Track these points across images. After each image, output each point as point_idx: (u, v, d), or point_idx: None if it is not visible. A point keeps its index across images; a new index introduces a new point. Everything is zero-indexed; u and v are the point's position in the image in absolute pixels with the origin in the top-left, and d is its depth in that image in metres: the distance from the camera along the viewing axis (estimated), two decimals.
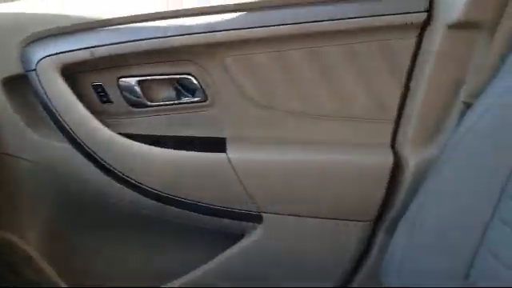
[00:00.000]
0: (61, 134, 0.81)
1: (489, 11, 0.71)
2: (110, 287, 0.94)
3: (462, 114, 0.73)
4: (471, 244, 0.63)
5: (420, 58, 0.80)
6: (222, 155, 0.81)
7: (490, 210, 0.61)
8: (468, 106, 0.72)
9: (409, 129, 0.82)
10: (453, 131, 0.73)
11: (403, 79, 0.82)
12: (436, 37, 0.76)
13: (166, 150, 0.82)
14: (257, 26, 0.78)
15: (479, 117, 0.64)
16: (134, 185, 0.82)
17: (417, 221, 0.68)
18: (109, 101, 0.84)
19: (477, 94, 0.70)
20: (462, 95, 0.75)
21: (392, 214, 0.83)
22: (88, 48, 0.77)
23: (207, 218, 0.85)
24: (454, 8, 0.72)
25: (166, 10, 0.80)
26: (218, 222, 0.86)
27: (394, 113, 0.84)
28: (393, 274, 0.71)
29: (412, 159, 0.80)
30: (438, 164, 0.69)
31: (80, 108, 0.79)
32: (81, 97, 0.80)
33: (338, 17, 0.78)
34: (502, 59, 0.68)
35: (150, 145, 0.82)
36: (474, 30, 0.74)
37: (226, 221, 0.85)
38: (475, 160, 0.63)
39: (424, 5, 0.77)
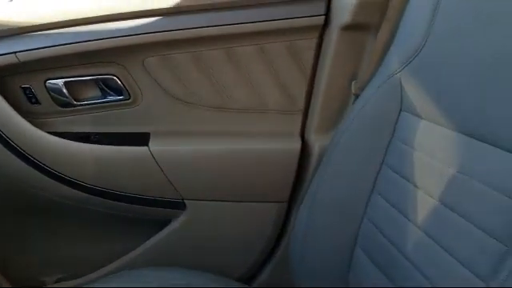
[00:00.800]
0: None
1: (373, 14, 0.82)
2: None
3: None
4: (356, 219, 0.73)
5: (321, 57, 0.91)
6: (144, 148, 0.89)
7: (369, 187, 0.71)
8: (357, 97, 0.83)
9: (315, 119, 0.93)
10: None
11: (308, 75, 0.92)
12: (333, 37, 0.87)
13: (92, 145, 0.88)
14: (174, 29, 0.86)
15: (361, 106, 0.74)
16: (62, 178, 0.88)
17: (315, 200, 0.78)
18: (37, 102, 0.89)
19: (363, 87, 0.80)
20: (353, 88, 0.86)
21: (302, 195, 0.93)
22: (13, 53, 0.82)
23: (134, 207, 0.92)
24: (346, 12, 0.83)
25: (89, 15, 0.86)
26: (145, 211, 0.93)
27: (302, 105, 0.94)
28: (296, 249, 0.81)
29: (316, 145, 0.91)
30: (330, 148, 0.79)
31: (7, 109, 0.84)
32: (10, 99, 0.85)
33: (250, 20, 0.87)
34: (382, 56, 0.78)
35: (78, 141, 0.88)
36: (362, 31, 0.85)
37: (151, 209, 0.93)
38: (357, 143, 0.74)
39: (322, 9, 0.88)
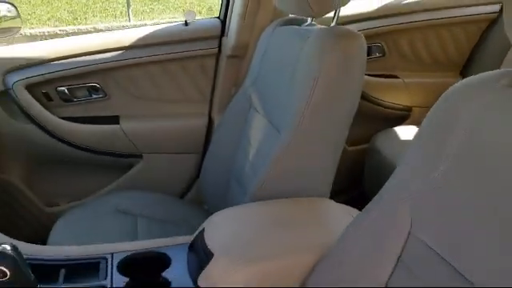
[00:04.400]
0: (28, 120, 1.50)
1: (243, 49, 1.52)
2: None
3: None
4: (234, 162, 1.45)
5: (218, 71, 1.61)
6: (117, 126, 1.57)
7: (237, 143, 1.43)
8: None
9: (215, 107, 1.64)
10: None
11: (212, 81, 1.62)
12: (223, 60, 1.57)
13: (84, 124, 1.55)
14: (130, 57, 1.53)
15: (233, 103, 1.44)
16: (69, 143, 1.54)
17: (211, 152, 1.49)
18: (51, 99, 1.53)
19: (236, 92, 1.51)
20: (233, 91, 1.57)
21: (207, 149, 1.65)
22: (41, 75, 1.46)
23: (110, 158, 1.59)
24: (228, 49, 1.53)
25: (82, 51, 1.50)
26: (117, 160, 1.61)
27: (209, 98, 1.65)
28: (203, 178, 1.54)
29: (215, 121, 1.62)
30: (220, 123, 1.49)
31: (38, 106, 1.49)
32: (37, 99, 1.49)
33: (175, 51, 1.55)
34: (245, 76, 1.49)
35: (76, 122, 1.54)
36: (237, 59, 1.55)
37: (122, 159, 1.62)
38: (230, 122, 1.44)
39: (216, 44, 1.57)
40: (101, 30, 5.59)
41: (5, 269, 0.72)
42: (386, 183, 0.76)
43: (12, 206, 1.58)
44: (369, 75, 1.79)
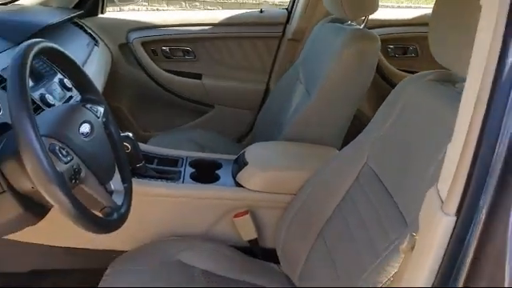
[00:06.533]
0: (139, 67, 2.09)
1: (301, 35, 2.00)
2: None
3: None
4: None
5: (280, 50, 2.10)
6: (199, 81, 2.13)
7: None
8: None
9: (273, 76, 2.14)
10: None
11: (273, 57, 2.12)
12: (284, 43, 2.06)
13: (176, 76, 2.13)
14: (213, 32, 2.06)
15: (287, 74, 1.92)
16: (163, 87, 2.13)
17: (262, 113, 2.00)
18: (156, 55, 2.11)
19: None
20: (287, 67, 2.06)
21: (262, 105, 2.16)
22: (152, 36, 2.04)
23: (188, 103, 2.17)
24: (290, 32, 2.01)
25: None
26: (194, 105, 2.18)
27: (269, 70, 2.15)
28: (257, 122, 2.06)
29: (272, 88, 2.12)
30: (273, 89, 1.98)
31: (147, 57, 2.07)
32: (146, 53, 2.08)
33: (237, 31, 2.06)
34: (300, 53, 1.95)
35: (170, 73, 2.12)
36: (297, 42, 2.04)
37: (198, 105, 2.18)
38: (281, 89, 1.93)
39: (281, 29, 2.06)
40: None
41: (128, 145, 1.26)
42: (360, 134, 1.22)
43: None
44: (404, 71, 2.18)
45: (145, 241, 1.29)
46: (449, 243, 0.58)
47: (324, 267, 1.13)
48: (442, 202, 0.60)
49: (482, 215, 0.56)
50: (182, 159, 1.47)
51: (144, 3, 3.80)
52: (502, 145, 0.54)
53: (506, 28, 0.53)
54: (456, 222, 0.57)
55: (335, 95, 1.51)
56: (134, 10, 2.05)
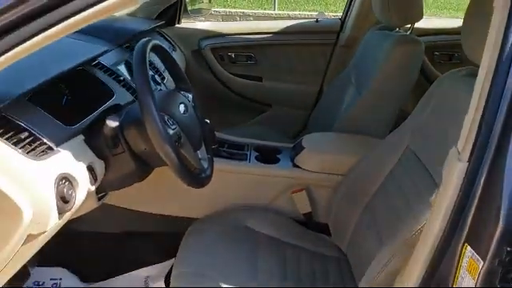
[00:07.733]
0: (208, 70, 2.39)
1: (353, 42, 2.23)
2: None
3: None
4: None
5: (333, 55, 2.34)
6: (260, 83, 2.40)
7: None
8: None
9: (327, 79, 2.37)
10: None
11: (327, 62, 2.36)
12: (337, 49, 2.29)
13: (240, 78, 2.41)
14: (273, 39, 2.33)
15: (341, 74, 2.15)
16: (229, 88, 2.42)
17: (316, 112, 2.22)
18: (223, 60, 2.40)
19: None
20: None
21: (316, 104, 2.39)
22: (220, 43, 2.34)
23: (250, 102, 2.44)
24: (343, 40, 2.25)
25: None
26: (254, 104, 2.45)
27: (323, 73, 2.38)
28: (313, 117, 2.29)
29: (325, 90, 2.35)
30: (326, 89, 2.21)
31: (215, 62, 2.37)
32: (215, 58, 2.37)
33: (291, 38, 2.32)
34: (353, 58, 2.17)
35: (235, 76, 2.40)
36: (349, 48, 2.26)
37: (257, 105, 2.45)
38: (335, 89, 2.15)
39: (335, 37, 2.30)
40: (248, 15, 6.61)
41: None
42: (402, 123, 1.42)
43: None
44: None
45: (217, 209, 1.55)
46: (462, 185, 0.79)
47: (369, 235, 1.33)
48: (459, 153, 0.81)
49: (487, 161, 0.76)
50: (248, 145, 1.73)
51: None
52: (504, 108, 0.75)
53: (506, 25, 0.74)
54: (467, 168, 0.78)
55: (383, 92, 1.72)
56: (202, 20, 2.35)
